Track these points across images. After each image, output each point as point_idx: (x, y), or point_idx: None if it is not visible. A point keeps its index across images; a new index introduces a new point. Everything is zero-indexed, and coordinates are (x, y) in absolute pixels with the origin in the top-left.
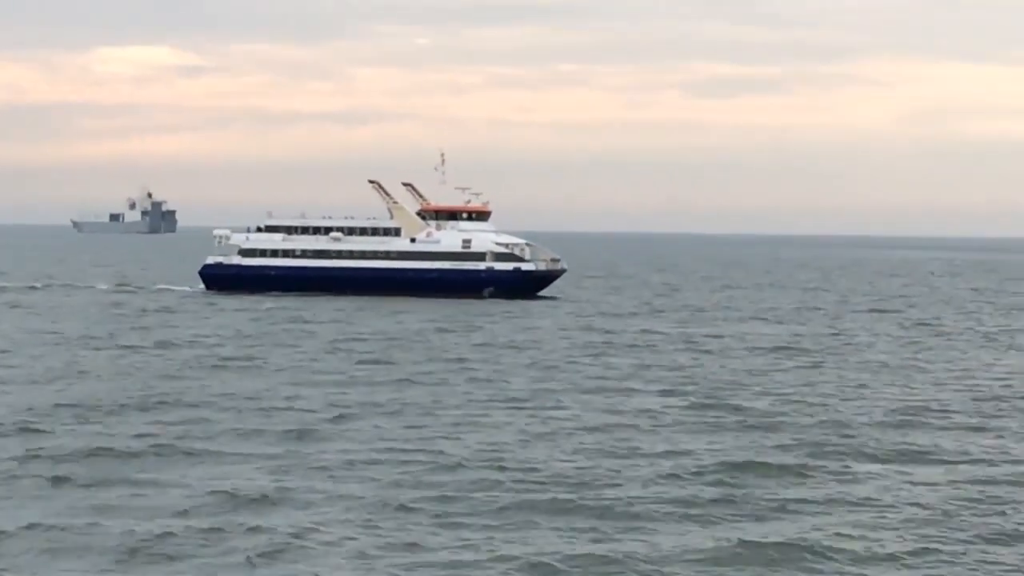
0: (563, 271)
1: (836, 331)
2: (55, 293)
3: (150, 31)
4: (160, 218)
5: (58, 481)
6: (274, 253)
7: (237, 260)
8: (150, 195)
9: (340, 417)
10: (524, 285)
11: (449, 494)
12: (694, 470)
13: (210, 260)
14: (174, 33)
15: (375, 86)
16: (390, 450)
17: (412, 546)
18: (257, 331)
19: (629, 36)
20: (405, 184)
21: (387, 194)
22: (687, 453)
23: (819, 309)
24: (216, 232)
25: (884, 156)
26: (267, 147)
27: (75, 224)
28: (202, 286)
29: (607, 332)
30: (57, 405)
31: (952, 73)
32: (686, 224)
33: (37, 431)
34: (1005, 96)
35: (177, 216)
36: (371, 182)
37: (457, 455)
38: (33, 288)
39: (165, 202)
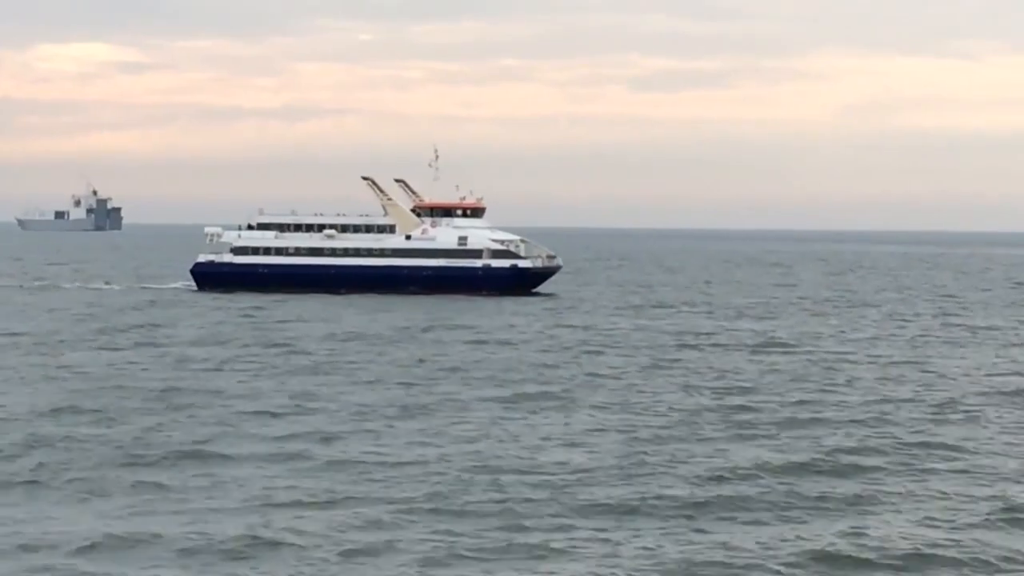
0: (559, 268)
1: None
2: (47, 292)
3: (91, 28)
4: (106, 216)
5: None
6: (267, 251)
7: (229, 258)
8: (95, 192)
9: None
10: (521, 282)
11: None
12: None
13: (201, 258)
14: (116, 30)
15: (318, 81)
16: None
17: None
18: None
19: (572, 30)
20: (398, 180)
21: (381, 191)
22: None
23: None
24: (207, 230)
25: (827, 150)
26: (211, 143)
27: (20, 222)
28: (193, 284)
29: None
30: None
31: (893, 66)
32: (628, 219)
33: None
34: (945, 88)
35: (123, 213)
36: (364, 178)
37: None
38: (21, 287)
39: (110, 199)
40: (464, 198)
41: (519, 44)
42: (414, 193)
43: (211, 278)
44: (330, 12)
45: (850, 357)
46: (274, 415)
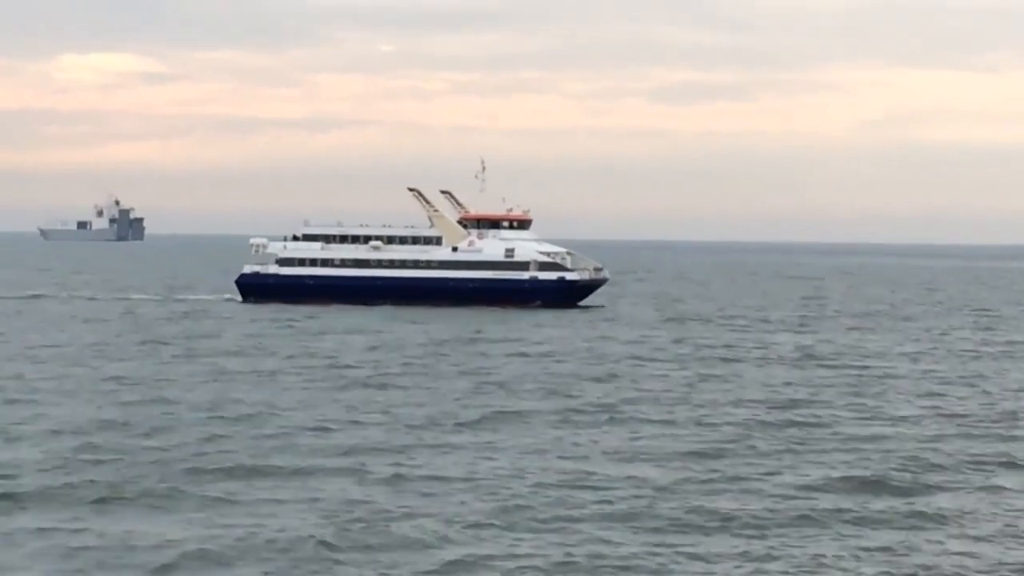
0: (605, 280)
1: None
2: (105, 303)
3: (111, 38)
4: (128, 226)
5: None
6: (312, 262)
7: (274, 269)
8: (117, 202)
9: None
10: (568, 295)
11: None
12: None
13: (247, 269)
14: (136, 40)
15: (338, 92)
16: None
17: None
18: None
19: (591, 42)
20: (443, 192)
21: (427, 202)
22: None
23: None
24: (252, 241)
25: (842, 163)
26: (231, 154)
27: (42, 232)
28: (237, 295)
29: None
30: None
31: (911, 79)
32: (648, 231)
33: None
34: (961, 101)
35: (145, 223)
36: (411, 190)
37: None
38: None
39: (132, 209)
40: (511, 210)
41: (539, 56)
42: (460, 205)
43: (256, 289)
44: (349, 23)
45: (898, 371)
46: (329, 429)
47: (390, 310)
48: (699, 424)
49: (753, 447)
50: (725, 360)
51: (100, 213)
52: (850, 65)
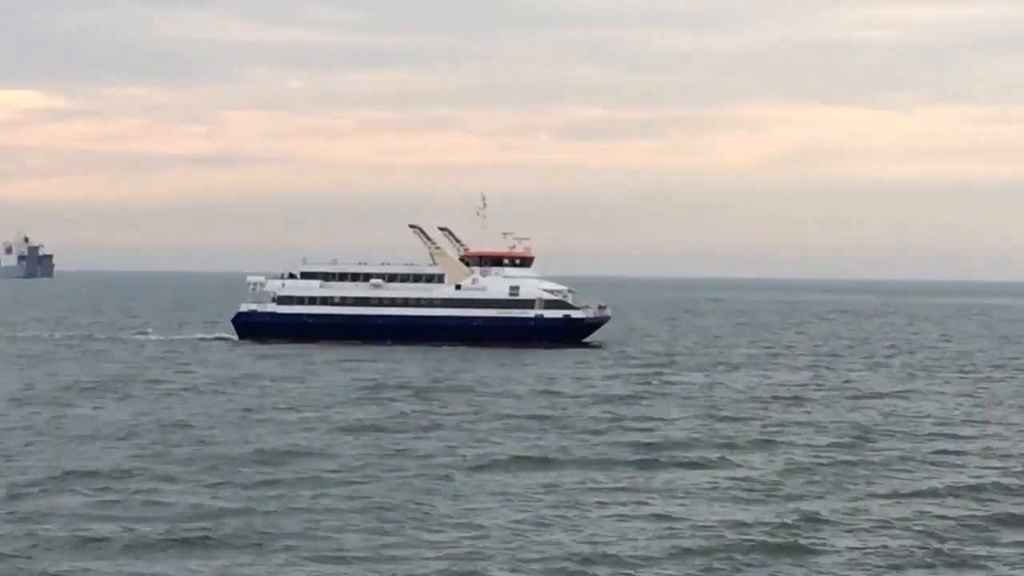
0: (608, 318)
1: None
2: (95, 343)
3: (18, 74)
4: (37, 263)
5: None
6: (312, 300)
7: (272, 308)
8: (27, 239)
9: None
10: (574, 333)
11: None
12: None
13: (244, 308)
14: (42, 77)
15: (247, 130)
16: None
17: None
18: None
19: (500, 80)
20: (441, 228)
21: (429, 239)
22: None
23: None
24: (250, 279)
25: (755, 199)
26: (140, 190)
27: None
28: (232, 334)
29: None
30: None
31: (818, 116)
32: (556, 267)
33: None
34: (869, 139)
35: (54, 260)
36: (412, 227)
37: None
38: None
39: (42, 246)
40: (514, 247)
41: (448, 93)
42: (458, 242)
43: (254, 328)
44: (258, 60)
45: (953, 416)
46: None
47: (393, 349)
48: (768, 467)
49: (837, 487)
50: (755, 400)
51: (9, 250)
52: (758, 102)
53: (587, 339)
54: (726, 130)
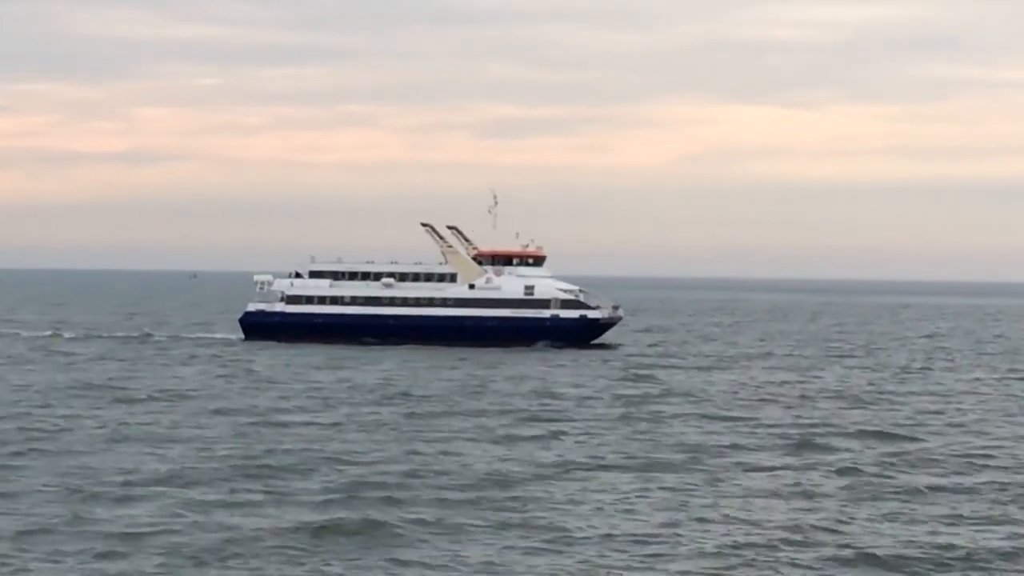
0: (620, 318)
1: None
2: (95, 342)
3: None
4: None
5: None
6: (321, 300)
7: (280, 307)
8: None
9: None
10: (589, 333)
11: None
12: None
13: (251, 307)
14: None
15: (160, 126)
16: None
17: None
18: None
19: (416, 78)
20: (450, 227)
21: (441, 238)
22: None
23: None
24: (257, 278)
25: (666, 196)
26: (51, 187)
27: None
28: (238, 334)
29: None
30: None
31: (731, 115)
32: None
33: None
34: (782, 138)
35: None
36: (424, 225)
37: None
38: (58, 335)
39: None
40: (527, 246)
41: (363, 91)
42: (467, 241)
43: (261, 328)
44: (172, 57)
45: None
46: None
47: (408, 349)
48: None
49: (876, 493)
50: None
51: None
52: (672, 101)
53: (598, 340)
54: (639, 129)
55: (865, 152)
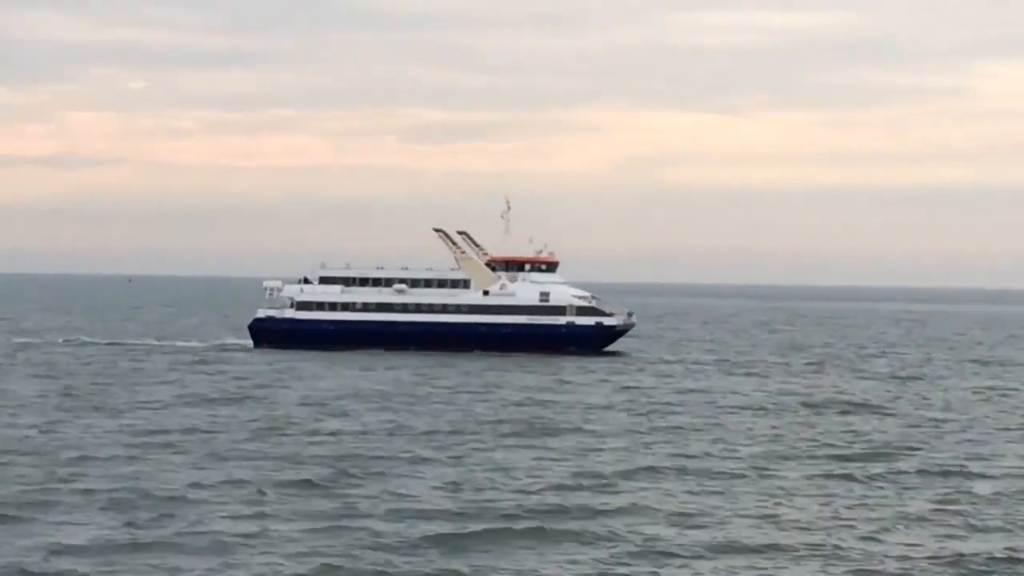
0: (634, 325)
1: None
2: (106, 350)
3: None
4: None
5: None
6: (332, 306)
7: (291, 314)
8: None
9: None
10: (605, 340)
11: None
12: None
13: (260, 313)
14: None
15: (88, 130)
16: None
17: None
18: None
19: (346, 82)
20: (460, 232)
21: (454, 243)
22: None
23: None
24: (266, 284)
25: (594, 202)
26: None
27: None
28: (247, 341)
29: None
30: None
31: (659, 121)
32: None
33: None
34: (709, 143)
35: None
36: (436, 230)
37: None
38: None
39: None
40: (540, 252)
41: (292, 95)
42: (478, 246)
43: (270, 335)
44: (102, 60)
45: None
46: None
47: (420, 356)
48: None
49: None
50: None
51: None
52: (600, 106)
53: (610, 347)
54: (568, 134)
55: (795, 158)
